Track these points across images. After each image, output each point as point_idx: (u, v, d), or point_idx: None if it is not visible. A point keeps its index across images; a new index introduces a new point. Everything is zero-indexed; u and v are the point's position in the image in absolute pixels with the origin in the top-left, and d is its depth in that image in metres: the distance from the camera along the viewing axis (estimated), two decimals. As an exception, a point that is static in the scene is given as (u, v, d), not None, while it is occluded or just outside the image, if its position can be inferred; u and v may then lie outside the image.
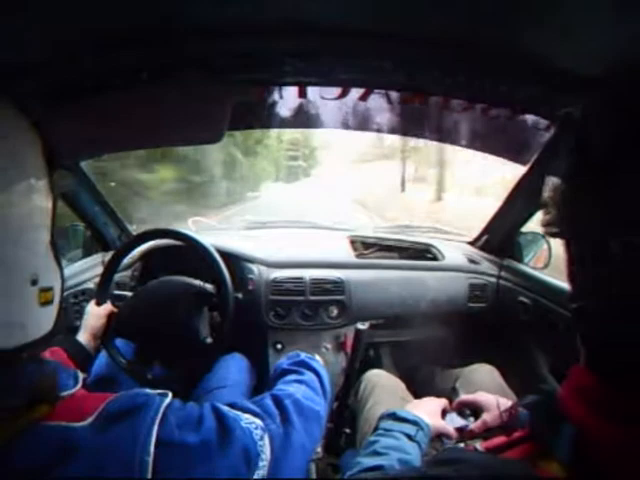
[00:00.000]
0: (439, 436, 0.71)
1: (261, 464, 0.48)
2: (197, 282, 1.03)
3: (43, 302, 0.43)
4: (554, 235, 0.37)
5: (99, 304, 0.97)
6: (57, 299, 0.46)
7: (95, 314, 0.95)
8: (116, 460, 0.39)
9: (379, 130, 1.12)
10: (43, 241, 0.44)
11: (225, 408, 0.50)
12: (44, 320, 0.44)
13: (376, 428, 0.68)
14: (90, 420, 0.41)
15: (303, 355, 0.76)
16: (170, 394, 0.47)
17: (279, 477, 0.50)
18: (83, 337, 0.90)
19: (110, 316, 0.96)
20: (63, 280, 0.48)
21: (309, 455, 0.58)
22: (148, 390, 0.47)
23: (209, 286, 1.02)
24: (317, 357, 0.82)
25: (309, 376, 0.68)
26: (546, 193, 0.37)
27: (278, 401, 0.57)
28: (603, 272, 0.31)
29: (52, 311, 0.45)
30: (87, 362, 0.90)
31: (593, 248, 0.32)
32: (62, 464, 0.38)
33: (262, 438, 0.49)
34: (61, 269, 0.47)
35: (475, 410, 0.75)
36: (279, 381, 0.67)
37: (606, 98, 0.36)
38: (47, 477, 0.37)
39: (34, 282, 0.41)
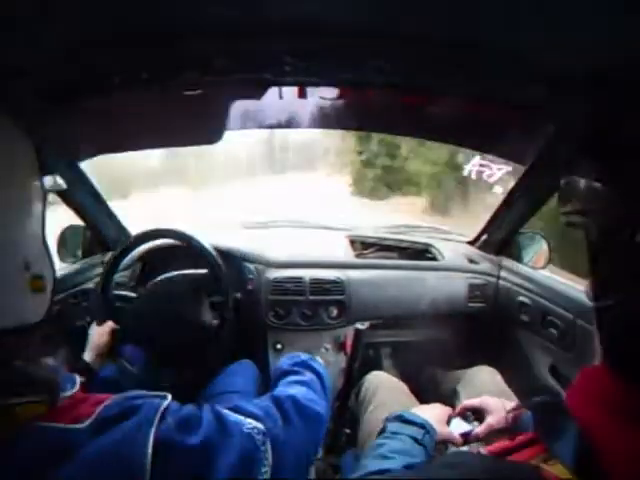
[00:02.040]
0: (444, 442, 0.71)
1: (264, 469, 0.48)
2: (189, 270, 1.04)
3: (34, 289, 0.44)
4: (574, 226, 0.36)
5: (100, 324, 0.97)
6: (48, 289, 0.47)
7: (98, 333, 0.95)
8: (114, 462, 0.39)
9: (379, 130, 1.12)
10: (35, 235, 0.46)
11: (226, 412, 0.50)
12: (35, 307, 0.45)
13: (382, 430, 0.68)
14: (88, 422, 0.41)
15: (304, 356, 0.75)
16: (169, 396, 0.47)
17: (281, 478, 0.50)
18: (89, 357, 0.91)
19: (113, 332, 0.97)
20: (54, 272, 0.49)
21: (311, 457, 0.58)
22: (146, 392, 0.47)
23: (202, 270, 1.03)
24: (318, 358, 0.82)
25: (309, 377, 0.68)
26: (564, 183, 0.36)
27: (279, 403, 0.56)
28: (627, 265, 0.30)
29: (43, 300, 0.46)
30: (94, 381, 0.90)
31: (617, 240, 0.31)
32: (59, 465, 0.38)
33: (264, 443, 0.49)
34: (52, 263, 0.49)
35: (479, 414, 0.75)
36: (280, 382, 0.67)
37: (616, 97, 0.35)
38: (44, 478, 0.37)
39: (27, 267, 0.43)
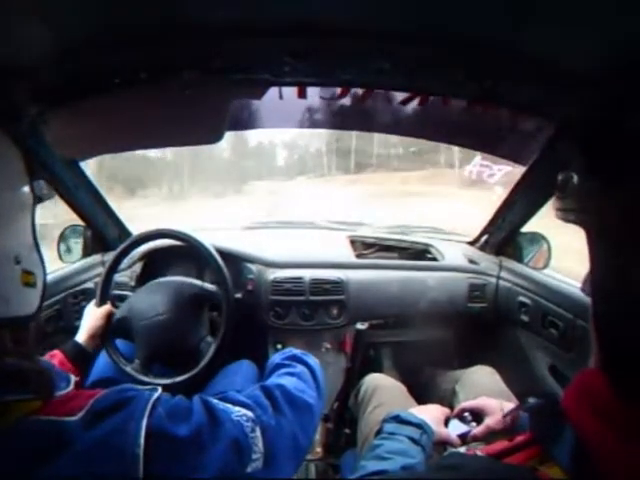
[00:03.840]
0: (442, 443, 0.71)
1: (254, 457, 0.48)
2: (197, 282, 1.03)
3: (25, 283, 0.45)
4: (569, 222, 0.36)
5: (99, 306, 0.97)
6: (39, 285, 0.48)
7: (94, 315, 0.95)
8: (107, 453, 0.39)
9: (379, 130, 1.12)
10: (26, 233, 0.47)
11: (215, 401, 0.50)
12: (26, 300, 0.46)
13: (379, 431, 0.68)
14: (80, 415, 0.41)
15: (296, 350, 0.77)
16: (160, 389, 0.48)
17: (273, 468, 0.50)
18: (82, 338, 0.91)
19: (109, 317, 0.96)
20: (45, 270, 0.50)
21: (303, 446, 0.57)
22: (137, 386, 0.48)
23: (209, 286, 1.02)
24: (314, 357, 0.83)
25: (300, 368, 0.68)
26: (562, 180, 0.36)
27: (268, 392, 0.56)
28: (625, 268, 0.29)
29: (34, 295, 0.47)
30: (86, 363, 0.90)
31: (615, 242, 0.30)
32: (53, 457, 0.38)
33: (254, 430, 0.49)
34: (42, 261, 0.50)
35: (477, 415, 0.75)
36: (272, 375, 0.67)
37: (616, 96, 0.35)
38: (37, 471, 0.37)
39: (17, 262, 0.44)
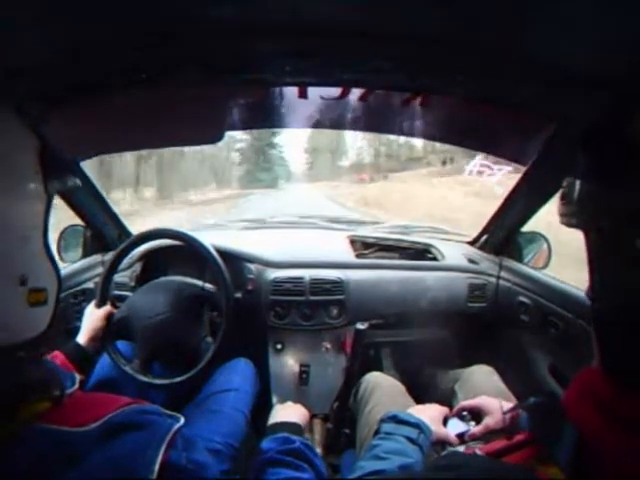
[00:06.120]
0: (441, 442, 0.71)
1: None
2: (197, 282, 1.03)
3: (33, 302, 0.42)
4: (572, 226, 0.36)
5: (99, 306, 0.97)
6: (51, 300, 0.45)
7: (94, 316, 0.95)
8: (119, 473, 0.38)
9: (379, 130, 1.12)
10: (35, 242, 0.43)
11: None
12: (35, 321, 0.43)
13: (377, 431, 0.68)
14: (94, 426, 0.40)
15: (297, 441, 0.64)
16: (182, 419, 0.47)
17: None
18: (82, 339, 0.91)
19: (109, 317, 0.96)
20: (60, 282, 0.47)
21: None
22: (160, 409, 0.47)
23: (209, 286, 1.02)
24: (306, 434, 0.75)
25: (310, 475, 0.60)
26: (564, 183, 0.36)
27: None
28: (624, 268, 0.30)
29: (45, 312, 0.44)
30: (87, 364, 0.90)
31: (614, 242, 0.31)
32: (62, 471, 0.37)
33: None
34: (57, 271, 0.46)
35: (476, 414, 0.75)
36: (273, 471, 0.59)
37: (616, 96, 0.35)
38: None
39: (23, 282, 0.40)
